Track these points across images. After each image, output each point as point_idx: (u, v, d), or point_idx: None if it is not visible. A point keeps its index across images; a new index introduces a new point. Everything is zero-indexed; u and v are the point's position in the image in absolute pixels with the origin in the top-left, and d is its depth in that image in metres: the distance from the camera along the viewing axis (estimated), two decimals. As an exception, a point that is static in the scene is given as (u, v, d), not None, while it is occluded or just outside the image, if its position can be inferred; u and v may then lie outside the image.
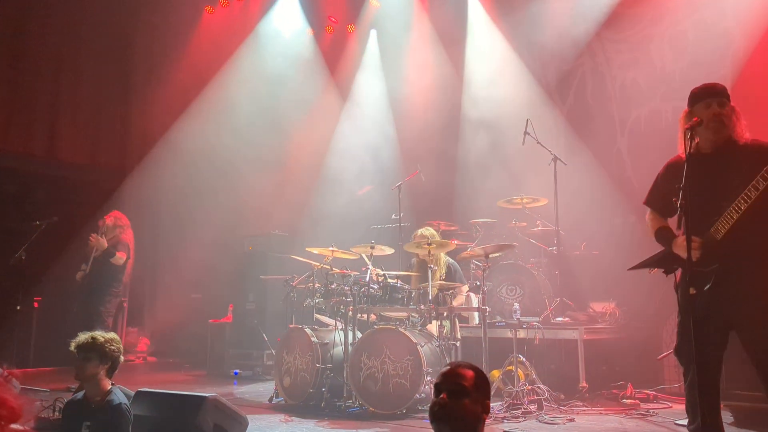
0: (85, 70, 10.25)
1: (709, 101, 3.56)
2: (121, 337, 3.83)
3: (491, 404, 5.29)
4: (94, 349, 3.55)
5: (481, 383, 2.42)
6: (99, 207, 7.95)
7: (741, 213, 3.32)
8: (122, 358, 3.69)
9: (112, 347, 3.59)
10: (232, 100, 10.28)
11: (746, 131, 3.55)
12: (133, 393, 3.77)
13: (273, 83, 10.41)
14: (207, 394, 3.57)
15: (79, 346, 3.58)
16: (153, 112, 10.37)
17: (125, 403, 3.51)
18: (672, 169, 3.74)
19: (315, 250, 6.43)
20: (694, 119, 3.47)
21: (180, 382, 7.74)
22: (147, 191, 10.29)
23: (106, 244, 7.08)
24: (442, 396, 2.36)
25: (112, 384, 3.61)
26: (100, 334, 3.63)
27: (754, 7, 7.12)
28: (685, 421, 3.78)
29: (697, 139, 3.46)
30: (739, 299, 3.41)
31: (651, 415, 5.40)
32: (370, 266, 6.07)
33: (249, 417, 4.34)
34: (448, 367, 2.46)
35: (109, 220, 7.30)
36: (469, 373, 2.41)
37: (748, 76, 7.03)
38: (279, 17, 10.62)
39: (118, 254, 7.08)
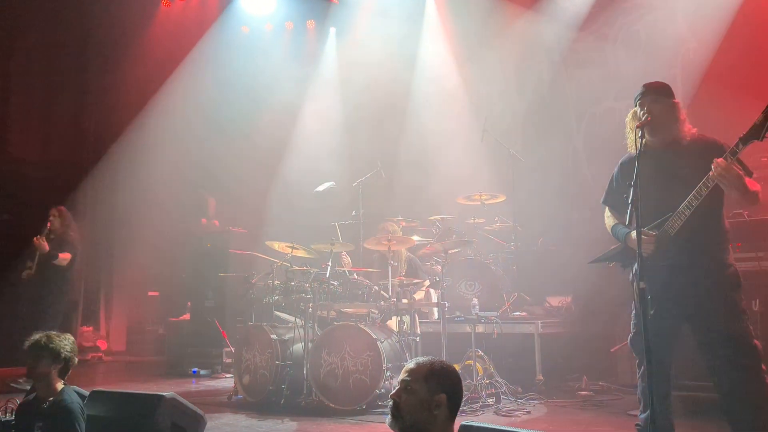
0: (37, 63, 9.97)
1: (645, 100, 3.64)
2: (75, 337, 3.75)
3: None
4: (46, 348, 3.48)
5: (433, 377, 2.42)
6: (52, 204, 7.75)
7: (693, 210, 3.42)
8: (76, 358, 3.61)
9: (65, 347, 3.51)
10: (189, 96, 10.14)
11: (692, 127, 3.65)
12: (87, 393, 3.69)
13: (232, 78, 10.31)
14: (164, 393, 3.52)
15: (31, 346, 3.50)
16: (109, 106, 10.16)
17: (78, 403, 3.44)
18: (625, 167, 3.84)
19: (275, 246, 6.39)
20: (647, 118, 3.55)
21: (137, 382, 7.61)
22: (103, 187, 10.10)
23: (47, 248, 6.89)
24: (395, 392, 2.41)
25: (65, 384, 3.54)
26: (53, 334, 3.56)
27: (704, 9, 7.35)
28: (637, 411, 3.90)
29: (646, 137, 3.55)
30: (692, 291, 3.52)
31: (605, 406, 5.54)
32: (328, 264, 6.07)
33: (208, 415, 4.29)
34: (410, 363, 2.49)
35: (54, 218, 7.11)
36: (422, 368, 2.43)
37: (698, 75, 7.27)
38: (237, 12, 10.52)
39: (61, 256, 6.93)
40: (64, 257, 6.94)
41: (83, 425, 3.42)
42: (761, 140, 3.23)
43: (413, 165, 9.05)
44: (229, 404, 6.03)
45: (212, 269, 8.43)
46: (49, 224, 7.07)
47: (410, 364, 2.47)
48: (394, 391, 2.42)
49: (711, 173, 3.32)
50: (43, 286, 6.89)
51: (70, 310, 9.61)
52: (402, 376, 2.44)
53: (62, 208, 7.30)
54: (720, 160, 3.30)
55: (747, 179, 3.38)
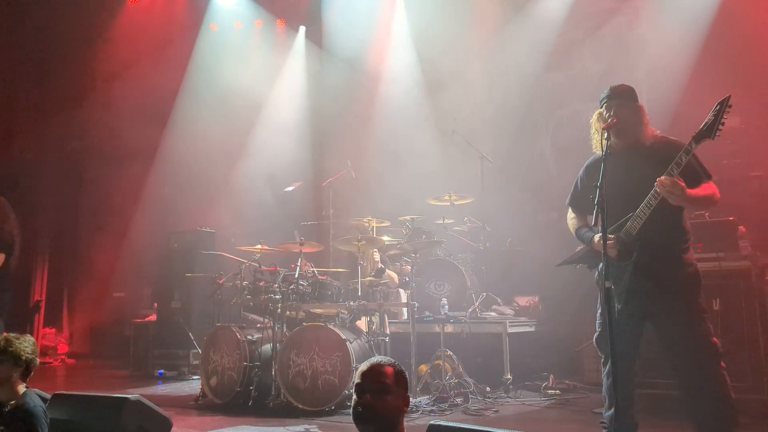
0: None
1: (610, 104, 3.71)
2: (37, 339, 3.66)
3: (420, 398, 5.39)
4: (5, 351, 3.39)
5: (401, 378, 2.41)
6: (13, 202, 7.55)
7: (652, 209, 3.49)
8: (38, 360, 3.53)
9: (26, 349, 3.43)
10: (155, 93, 9.99)
11: (654, 129, 3.73)
12: (49, 396, 3.61)
13: (199, 75, 10.20)
14: (129, 396, 3.46)
15: (-9, 349, 3.41)
16: (72, 101, 9.96)
17: (41, 406, 3.37)
18: (590, 169, 3.92)
19: (243, 247, 6.34)
20: (613, 120, 3.62)
21: (101, 385, 7.48)
22: (66, 185, 9.90)
23: None
24: (366, 397, 2.33)
25: (27, 387, 3.46)
26: (13, 336, 3.47)
27: (667, 14, 7.52)
28: (602, 409, 3.96)
29: (611, 139, 3.62)
30: (654, 290, 3.59)
31: (571, 405, 5.63)
32: (297, 264, 6.04)
33: (174, 418, 4.24)
34: (367, 366, 2.41)
35: None
36: (389, 369, 2.39)
37: (662, 79, 7.43)
38: (205, 10, 10.42)
39: None
40: None
41: (46, 429, 3.34)
42: (713, 139, 3.33)
43: (383, 165, 9.06)
44: (196, 406, 5.96)
45: (179, 270, 8.32)
46: None
47: (377, 367, 2.40)
48: (368, 396, 2.34)
49: (657, 185, 3.39)
50: None
51: (33, 311, 9.41)
52: (372, 378, 2.36)
53: (0, 198, 6.61)
54: (662, 178, 3.38)
55: (697, 189, 3.46)
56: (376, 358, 2.47)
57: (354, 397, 2.39)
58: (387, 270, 6.72)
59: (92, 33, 9.97)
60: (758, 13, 6.74)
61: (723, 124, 3.31)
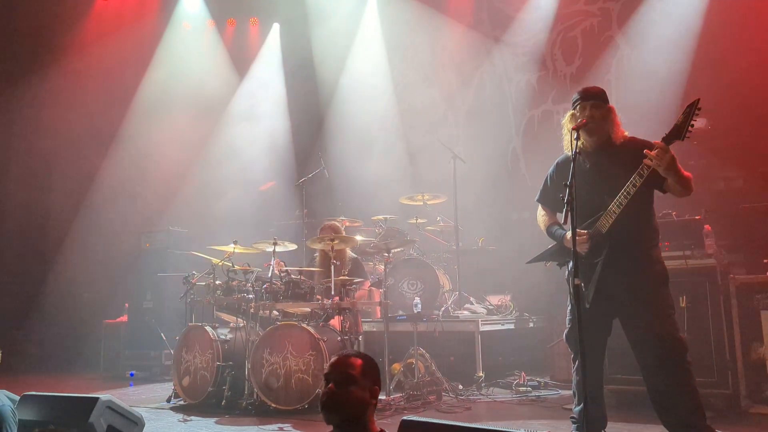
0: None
1: (585, 104, 3.77)
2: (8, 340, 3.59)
3: (393, 396, 5.41)
4: None
5: (369, 370, 2.47)
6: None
7: (622, 208, 3.56)
8: None
9: None
10: (126, 91, 9.89)
11: (623, 130, 3.80)
12: (18, 397, 3.56)
13: (172, 74, 10.10)
14: (100, 395, 3.43)
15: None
16: (41, 100, 9.79)
17: (9, 406, 3.32)
18: (560, 167, 3.98)
19: (217, 247, 6.30)
20: (582, 121, 3.68)
21: (71, 386, 7.37)
22: (35, 183, 9.73)
23: None
24: (330, 386, 2.41)
25: (-5, 388, 3.41)
26: None
27: (637, 16, 7.67)
28: (572, 405, 4.03)
29: (582, 139, 3.69)
30: (622, 287, 3.67)
31: (542, 401, 5.71)
32: (270, 263, 6.03)
33: (146, 418, 4.21)
34: (336, 358, 2.51)
35: None
36: (357, 361, 2.46)
37: (631, 81, 7.58)
38: (178, 8, 10.33)
39: None
40: None
41: (15, 430, 3.30)
42: (682, 140, 3.42)
43: (356, 164, 9.08)
44: (168, 407, 5.91)
45: (151, 269, 8.24)
46: None
47: (344, 358, 2.47)
48: (332, 385, 2.41)
49: (645, 160, 3.45)
50: None
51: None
52: (338, 369, 2.44)
53: None
54: (657, 142, 3.45)
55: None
56: (348, 351, 2.55)
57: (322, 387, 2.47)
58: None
59: (65, 30, 9.81)
60: (736, 17, 6.89)
61: (692, 125, 3.40)
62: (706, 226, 5.14)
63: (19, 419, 3.36)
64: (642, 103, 6.75)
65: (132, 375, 8.04)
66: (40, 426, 3.34)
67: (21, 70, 9.87)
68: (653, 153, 3.42)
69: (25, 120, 9.95)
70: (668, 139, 3.43)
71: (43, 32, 9.95)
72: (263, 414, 5.35)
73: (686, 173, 3.56)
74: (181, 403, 5.93)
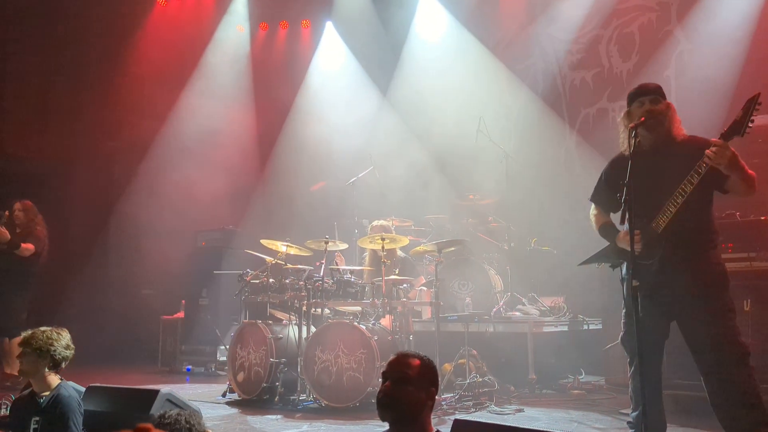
0: (31, 61, 9.90)
1: (642, 100, 3.69)
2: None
3: (444, 396, 5.40)
4: (29, 344, 3.47)
5: (427, 371, 2.49)
6: (46, 202, 7.68)
7: (678, 206, 3.46)
8: (68, 353, 3.58)
9: (51, 343, 3.49)
10: (186, 95, 10.14)
11: (682, 128, 3.69)
12: (83, 389, 3.71)
13: (228, 77, 10.34)
14: (160, 388, 3.54)
15: (24, 343, 3.51)
16: (105, 105, 10.13)
17: (75, 397, 3.46)
18: (615, 166, 3.87)
19: (269, 244, 6.41)
20: (641, 119, 3.59)
21: (132, 379, 7.60)
22: (98, 186, 10.07)
23: (8, 236, 6.68)
24: (386, 384, 2.45)
25: (61, 379, 3.55)
26: (39, 330, 3.53)
27: (697, 11, 7.43)
28: (628, 410, 3.94)
29: (639, 137, 3.60)
30: (679, 289, 3.55)
31: (597, 405, 5.59)
32: (322, 262, 6.09)
33: (202, 412, 4.31)
34: (395, 356, 2.54)
35: (18, 212, 7.00)
36: (415, 361, 2.48)
37: (691, 78, 7.36)
38: (234, 12, 10.54)
39: (23, 246, 6.77)
40: (27, 247, 6.79)
41: (80, 419, 3.43)
42: (742, 136, 3.30)
43: (407, 164, 9.08)
44: (223, 402, 6.04)
45: (206, 267, 8.43)
46: (7, 213, 6.82)
47: (403, 357, 2.51)
48: (389, 383, 2.45)
49: (704, 159, 3.35)
50: (3, 278, 6.75)
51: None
52: (396, 367, 2.47)
53: (28, 202, 7.13)
54: (715, 140, 3.35)
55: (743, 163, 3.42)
56: (407, 351, 2.56)
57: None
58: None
59: (128, 33, 10.13)
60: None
61: (752, 121, 3.28)
62: (772, 227, 4.95)
63: (84, 409, 3.49)
64: (701, 102, 6.54)
65: (188, 370, 8.26)
66: (103, 417, 3.46)
67: (88, 74, 10.22)
68: (712, 150, 3.32)
69: (91, 121, 10.30)
70: (727, 135, 3.32)
71: (108, 35, 10.26)
72: (315, 411, 5.43)
73: (750, 171, 3.44)
74: (236, 398, 6.06)
